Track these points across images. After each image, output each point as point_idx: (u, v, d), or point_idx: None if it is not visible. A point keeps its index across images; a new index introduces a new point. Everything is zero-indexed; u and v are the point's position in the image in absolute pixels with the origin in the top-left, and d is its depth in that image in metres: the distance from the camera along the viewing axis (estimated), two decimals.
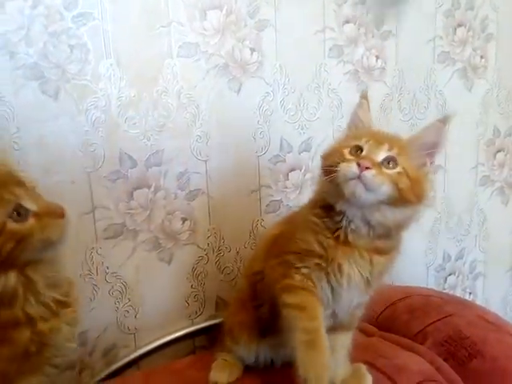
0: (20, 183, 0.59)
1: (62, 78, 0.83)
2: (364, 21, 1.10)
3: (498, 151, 1.40)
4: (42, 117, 0.83)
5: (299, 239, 0.72)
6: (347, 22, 1.08)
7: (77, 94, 0.85)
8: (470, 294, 1.46)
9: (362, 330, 0.91)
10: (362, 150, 0.68)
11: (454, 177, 1.33)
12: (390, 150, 0.67)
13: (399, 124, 1.20)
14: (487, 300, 1.49)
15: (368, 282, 0.71)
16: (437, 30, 1.20)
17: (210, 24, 0.94)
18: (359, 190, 0.65)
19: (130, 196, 0.93)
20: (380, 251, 0.70)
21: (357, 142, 0.69)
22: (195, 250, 1.01)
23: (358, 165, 0.65)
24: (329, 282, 0.70)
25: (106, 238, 0.92)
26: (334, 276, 0.70)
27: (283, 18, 1.00)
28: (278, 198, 1.09)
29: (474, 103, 1.32)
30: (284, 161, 1.07)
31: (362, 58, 1.12)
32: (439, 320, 0.87)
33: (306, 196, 1.08)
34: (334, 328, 0.76)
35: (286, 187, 1.09)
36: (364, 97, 0.76)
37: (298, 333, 0.68)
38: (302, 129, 1.08)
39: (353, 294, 0.72)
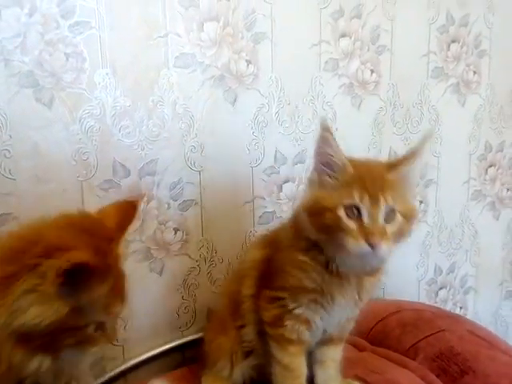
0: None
1: (57, 86, 0.83)
2: (359, 35, 1.11)
3: (490, 166, 1.41)
4: (35, 124, 0.82)
5: (290, 276, 0.71)
6: (343, 36, 1.09)
7: (71, 102, 0.84)
8: (461, 308, 1.46)
9: (354, 345, 0.91)
10: (359, 211, 0.64)
11: (446, 191, 1.34)
12: (386, 200, 0.64)
13: (392, 137, 1.21)
14: (478, 314, 1.49)
15: (358, 301, 0.72)
16: (431, 45, 1.21)
17: (206, 35, 0.94)
18: (374, 262, 0.67)
19: None
20: (370, 272, 0.71)
21: (350, 201, 0.65)
22: (187, 260, 1.01)
23: (369, 243, 0.63)
24: (323, 310, 0.71)
25: None
26: (328, 305, 0.71)
27: (280, 31, 1.01)
28: (272, 210, 1.08)
29: (467, 118, 1.33)
30: (278, 172, 1.08)
31: (357, 71, 1.12)
32: (431, 335, 0.87)
33: None
34: (324, 342, 0.77)
35: (280, 199, 1.09)
36: (326, 129, 0.68)
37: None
38: (296, 141, 1.08)
39: (343, 313, 0.73)
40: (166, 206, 0.97)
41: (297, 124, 1.07)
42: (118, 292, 0.56)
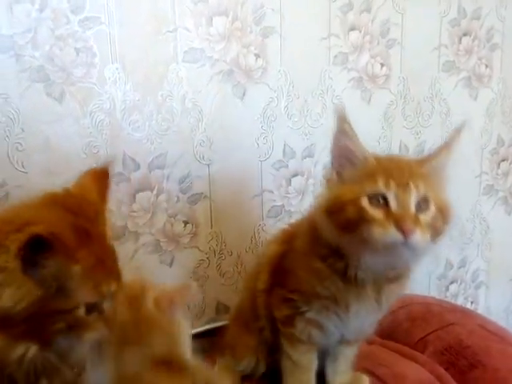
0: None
1: (67, 80, 0.84)
2: (369, 29, 1.10)
3: (502, 160, 1.40)
4: (46, 119, 0.84)
5: (304, 280, 0.67)
6: (352, 29, 1.08)
7: (81, 96, 0.85)
8: (472, 303, 1.45)
9: None
10: (386, 200, 0.58)
11: (458, 185, 1.32)
12: (417, 187, 0.58)
13: (403, 131, 1.20)
14: (489, 309, 1.48)
15: (378, 309, 0.68)
16: (442, 38, 1.20)
17: (215, 30, 0.94)
18: (407, 256, 0.59)
19: (133, 198, 0.93)
20: (392, 280, 0.66)
21: (375, 189, 0.59)
22: (196, 253, 1.02)
23: (401, 230, 0.56)
24: (337, 317, 0.68)
25: None
26: (342, 313, 0.67)
27: (288, 25, 1.01)
28: (280, 204, 1.09)
29: (479, 112, 1.31)
30: (287, 166, 1.08)
31: (367, 65, 1.12)
32: (440, 329, 0.87)
33: (307, 202, 1.08)
34: (340, 342, 0.75)
35: (289, 193, 1.09)
36: (343, 119, 0.62)
37: (290, 377, 0.73)
38: (305, 135, 1.08)
39: (361, 321, 0.70)
40: (176, 199, 0.97)
41: (306, 118, 1.07)
42: (108, 270, 0.50)
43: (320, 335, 0.72)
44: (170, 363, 0.59)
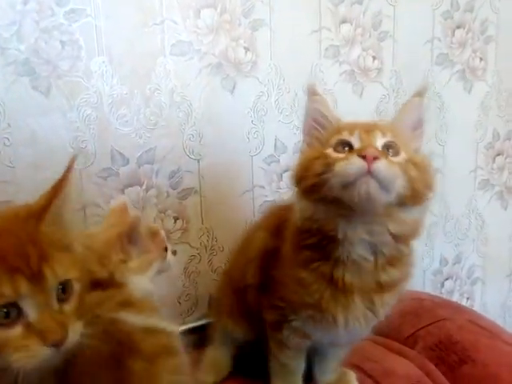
0: (39, 274, 0.42)
1: (53, 74, 0.83)
2: (361, 21, 1.09)
3: (498, 155, 1.38)
4: (33, 113, 0.83)
5: (290, 290, 0.65)
6: (344, 22, 1.07)
7: (68, 90, 0.85)
8: (468, 299, 1.44)
9: None
10: (350, 146, 0.56)
11: (452, 180, 1.31)
12: (384, 135, 0.56)
13: None
14: (485, 305, 1.47)
15: (373, 318, 0.64)
16: (435, 31, 1.19)
17: (203, 23, 0.93)
18: (373, 188, 0.52)
19: (122, 193, 0.92)
20: (384, 287, 0.61)
21: (339, 138, 0.57)
22: (187, 249, 1.01)
23: (363, 157, 0.52)
24: (324, 327, 0.65)
25: None
26: (329, 324, 0.64)
27: (278, 17, 1.00)
28: (272, 199, 1.08)
29: (474, 106, 1.30)
30: (278, 161, 1.07)
31: (359, 58, 1.11)
32: (431, 324, 0.86)
33: None
34: (331, 344, 0.73)
35: (280, 188, 1.08)
36: (313, 92, 0.63)
37: (276, 378, 0.73)
38: (296, 129, 1.07)
39: (353, 331, 0.65)
40: (166, 194, 0.97)
41: (297, 112, 1.06)
42: (9, 266, 0.41)
43: (308, 343, 0.70)
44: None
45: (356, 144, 0.57)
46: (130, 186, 0.93)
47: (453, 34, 1.22)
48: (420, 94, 0.64)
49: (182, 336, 1.01)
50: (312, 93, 0.63)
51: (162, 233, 0.74)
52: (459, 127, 1.28)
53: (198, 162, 0.98)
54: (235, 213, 1.05)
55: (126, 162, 0.92)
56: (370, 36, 1.11)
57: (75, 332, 0.44)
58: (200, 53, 0.94)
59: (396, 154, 0.57)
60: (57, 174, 0.84)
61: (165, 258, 0.72)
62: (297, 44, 1.03)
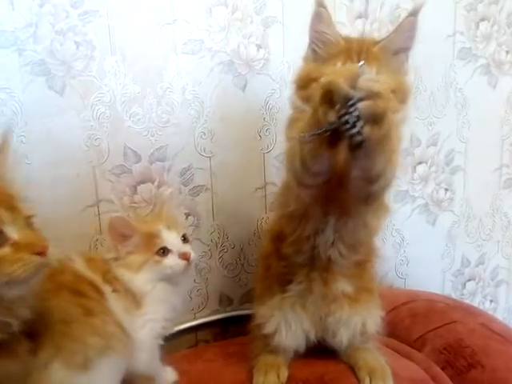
0: (12, 207, 0.54)
1: (68, 74, 0.86)
2: (377, 16, 1.06)
3: None
4: (48, 112, 0.86)
5: None
6: (359, 17, 1.05)
7: (82, 89, 0.87)
8: (492, 301, 1.39)
9: None
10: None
11: (475, 178, 1.27)
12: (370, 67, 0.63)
13: (415, 122, 1.16)
14: (510, 308, 1.42)
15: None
16: (457, 25, 1.14)
17: (215, 21, 0.94)
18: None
19: (134, 190, 0.95)
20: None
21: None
22: (198, 245, 1.02)
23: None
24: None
25: None
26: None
27: (291, 14, 0.99)
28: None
29: (499, 101, 1.25)
30: None
31: None
32: (441, 327, 0.84)
33: None
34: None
35: None
36: (320, 4, 0.69)
37: None
38: None
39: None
40: (177, 191, 0.98)
41: None
42: None
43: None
44: None
45: None
46: (143, 182, 0.95)
47: (477, 27, 1.17)
48: (414, 13, 0.69)
49: (194, 331, 1.04)
50: (319, 3, 0.69)
51: (169, 237, 0.74)
52: (483, 124, 1.24)
53: (210, 159, 0.99)
54: (247, 210, 1.05)
55: (139, 159, 0.94)
56: (386, 31, 1.08)
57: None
58: (212, 51, 0.95)
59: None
60: (72, 171, 0.89)
61: (157, 261, 0.72)
62: None
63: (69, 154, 0.88)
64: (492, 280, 1.38)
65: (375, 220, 0.68)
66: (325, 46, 0.69)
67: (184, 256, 0.73)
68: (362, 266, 0.74)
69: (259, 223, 1.07)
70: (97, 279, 0.68)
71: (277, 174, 1.06)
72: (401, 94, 0.66)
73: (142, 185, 0.95)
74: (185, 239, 0.77)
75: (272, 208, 1.06)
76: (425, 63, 1.13)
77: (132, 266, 0.70)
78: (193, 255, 0.74)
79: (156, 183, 0.96)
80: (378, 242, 0.77)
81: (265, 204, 1.06)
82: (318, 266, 0.71)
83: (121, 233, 0.72)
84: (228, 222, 1.03)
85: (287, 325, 0.74)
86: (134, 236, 0.72)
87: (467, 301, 1.35)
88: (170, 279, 0.73)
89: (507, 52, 1.22)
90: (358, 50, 0.67)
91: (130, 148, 0.93)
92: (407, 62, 0.71)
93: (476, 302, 1.37)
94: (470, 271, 1.34)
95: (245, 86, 0.99)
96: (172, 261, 0.72)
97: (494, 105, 1.25)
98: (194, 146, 0.97)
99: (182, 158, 0.97)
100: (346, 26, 1.04)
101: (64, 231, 0.89)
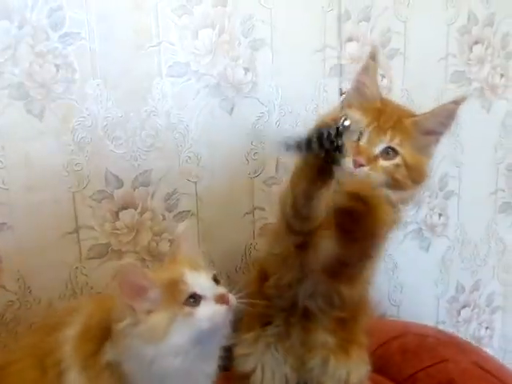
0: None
1: (48, 97, 0.83)
2: (368, 39, 1.04)
3: None
4: (27, 135, 0.83)
5: None
6: (350, 40, 1.03)
7: (62, 113, 0.84)
8: (487, 328, 1.36)
9: None
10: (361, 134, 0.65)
11: (470, 203, 1.24)
12: (391, 139, 0.64)
13: None
14: (506, 336, 1.38)
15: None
16: (450, 47, 1.13)
17: (201, 43, 0.92)
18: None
19: (116, 216, 0.91)
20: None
21: (358, 123, 0.65)
22: None
23: (354, 160, 0.62)
24: None
25: (91, 258, 0.91)
26: None
27: (280, 36, 0.97)
28: (273, 221, 1.04)
29: (493, 125, 1.23)
30: (280, 183, 1.03)
31: None
32: (431, 366, 0.80)
33: None
34: None
35: None
36: (372, 57, 0.70)
37: None
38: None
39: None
40: (161, 217, 0.95)
41: (299, 133, 1.02)
42: None
43: None
44: None
45: (363, 139, 0.65)
46: (125, 208, 0.92)
47: (470, 50, 1.15)
48: (457, 102, 0.66)
49: None
50: (372, 56, 0.70)
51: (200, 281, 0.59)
52: (477, 148, 1.21)
53: (196, 184, 0.96)
54: (234, 236, 1.02)
55: (121, 184, 0.91)
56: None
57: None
58: (198, 74, 0.92)
59: (392, 157, 0.64)
60: (50, 196, 0.86)
61: (189, 313, 0.55)
62: (299, 64, 0.99)
63: (47, 179, 0.85)
64: (487, 306, 1.35)
65: (348, 291, 0.65)
66: (361, 98, 0.69)
67: (222, 299, 0.58)
68: (345, 322, 0.70)
69: (247, 249, 1.03)
70: None
71: (265, 199, 1.03)
72: (416, 173, 0.66)
73: (123, 210, 0.92)
74: (216, 280, 0.61)
75: (261, 233, 1.03)
76: (416, 86, 1.11)
77: (156, 330, 0.54)
78: (231, 297, 0.58)
79: (139, 209, 0.93)
80: (369, 297, 0.74)
81: (253, 229, 1.03)
82: (298, 313, 0.68)
83: (135, 286, 0.56)
84: (214, 248, 1.00)
85: (266, 366, 0.70)
86: (151, 288, 0.56)
87: (462, 328, 1.32)
88: (207, 338, 0.56)
89: (502, 75, 1.20)
90: (388, 116, 0.66)
91: (111, 173, 0.90)
92: (435, 145, 0.70)
93: (471, 329, 1.33)
94: (464, 298, 1.31)
95: (232, 110, 0.96)
96: (208, 309, 0.57)
97: (488, 128, 1.22)
98: (179, 171, 0.95)
99: (166, 183, 0.94)
100: (337, 49, 1.02)
101: (42, 259, 0.86)
